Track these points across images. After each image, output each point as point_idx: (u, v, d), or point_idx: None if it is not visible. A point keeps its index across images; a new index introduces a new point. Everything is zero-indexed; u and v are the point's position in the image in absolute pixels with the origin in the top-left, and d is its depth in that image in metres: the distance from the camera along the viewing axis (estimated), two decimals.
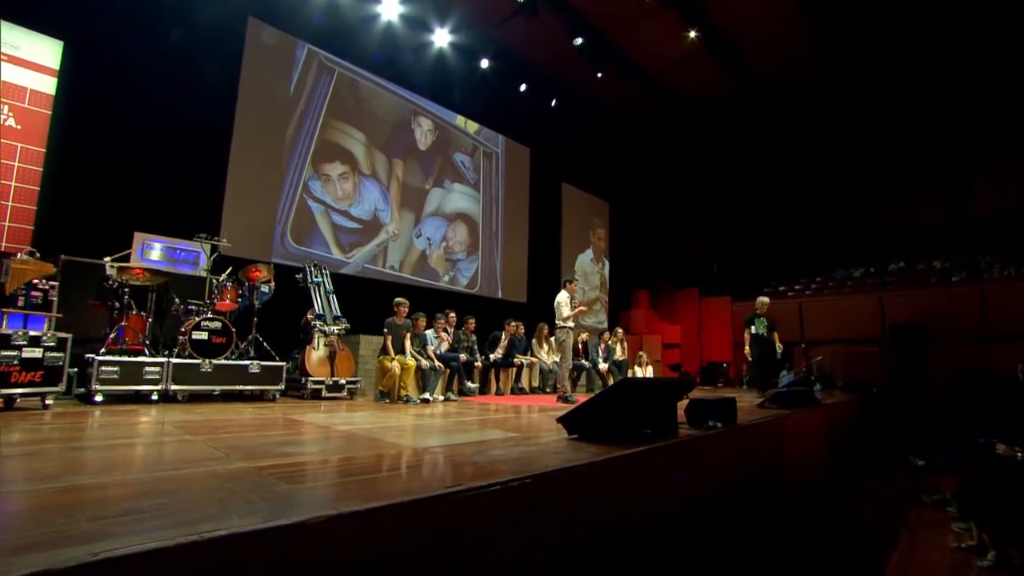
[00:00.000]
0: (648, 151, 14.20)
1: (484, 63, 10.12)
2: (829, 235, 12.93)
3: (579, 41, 9.95)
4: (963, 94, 11.11)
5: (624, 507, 2.24)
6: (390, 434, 3.02)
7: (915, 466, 4.91)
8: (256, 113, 7.00)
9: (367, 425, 3.47)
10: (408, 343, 5.65)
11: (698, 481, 2.82)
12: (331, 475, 1.84)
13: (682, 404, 3.35)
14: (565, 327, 6.10)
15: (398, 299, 5.75)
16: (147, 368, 4.26)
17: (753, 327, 7.49)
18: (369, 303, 7.00)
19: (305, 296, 5.92)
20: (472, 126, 10.18)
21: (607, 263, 13.44)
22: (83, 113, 5.69)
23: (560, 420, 2.91)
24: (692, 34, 9.85)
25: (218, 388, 4.70)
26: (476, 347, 7.13)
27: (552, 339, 8.21)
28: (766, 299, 7.72)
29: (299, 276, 5.98)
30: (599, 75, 10.74)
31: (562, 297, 6.20)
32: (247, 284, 5.30)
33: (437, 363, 5.80)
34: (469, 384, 6.37)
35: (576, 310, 6.18)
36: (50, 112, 5.51)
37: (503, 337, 7.39)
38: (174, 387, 4.41)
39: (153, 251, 5.11)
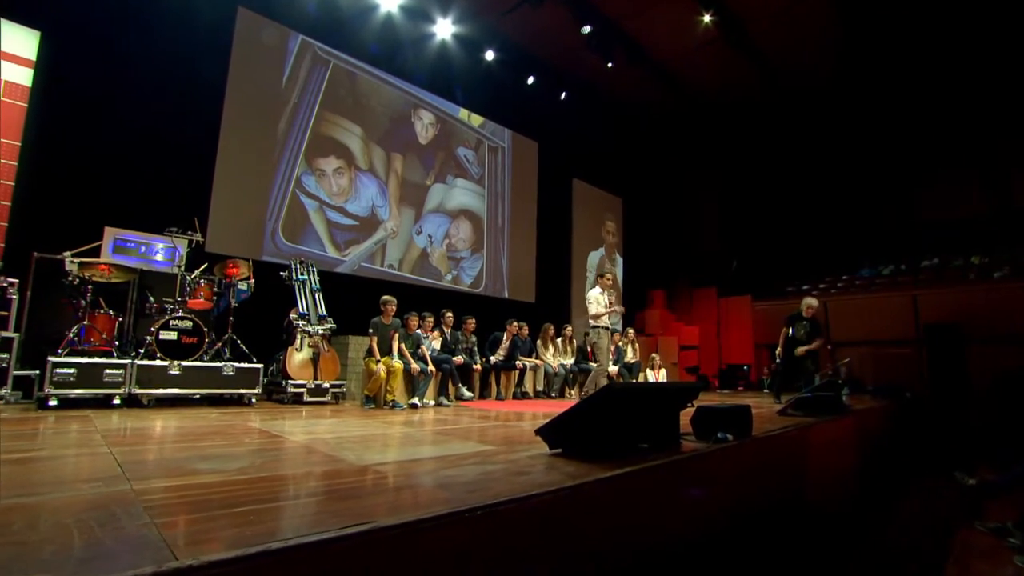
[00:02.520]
0: (663, 145, 13.63)
1: (489, 55, 9.77)
2: (856, 231, 12.21)
3: (587, 29, 9.52)
4: (1002, 76, 10.30)
5: (602, 547, 1.79)
6: (346, 445, 2.63)
7: (963, 485, 4.32)
8: (246, 106, 6.74)
9: (329, 434, 3.09)
10: (396, 344, 5.28)
11: (702, 507, 2.35)
12: (216, 504, 1.45)
13: (689, 412, 2.90)
14: (598, 327, 5.64)
15: (385, 297, 5.39)
16: (107, 370, 3.96)
17: (792, 330, 6.48)
18: (366, 303, 6.65)
19: (291, 295, 5.60)
20: (476, 119, 9.82)
21: (620, 260, 12.90)
22: (62, 106, 5.47)
23: (539, 432, 2.49)
24: (707, 18, 9.32)
25: (188, 391, 4.38)
26: (476, 349, 6.73)
27: (559, 340, 7.79)
28: (814, 301, 6.42)
29: (284, 273, 5.67)
30: (609, 66, 10.27)
31: (593, 293, 5.75)
32: (223, 281, 4.98)
33: (430, 366, 5.41)
34: (464, 389, 5.96)
35: (610, 309, 5.71)
36: (26, 105, 5.30)
37: (504, 338, 6.97)
38: (138, 390, 4.10)
39: (126, 247, 4.82)
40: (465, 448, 2.66)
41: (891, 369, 9.51)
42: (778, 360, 6.61)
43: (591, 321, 5.60)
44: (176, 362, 4.31)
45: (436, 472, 2.00)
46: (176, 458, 2.16)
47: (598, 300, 5.60)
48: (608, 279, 5.83)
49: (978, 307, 8.93)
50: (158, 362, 4.27)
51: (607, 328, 5.59)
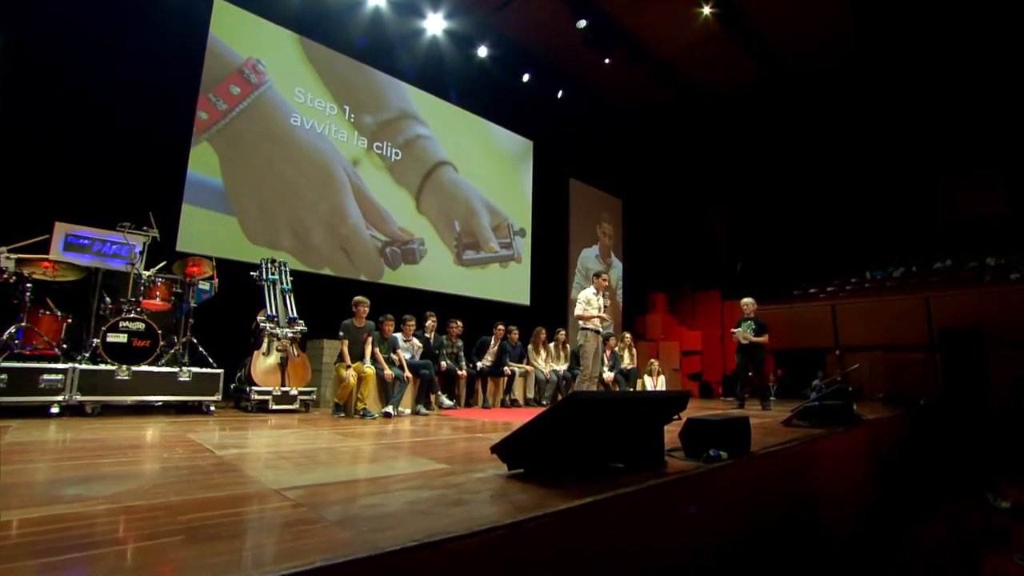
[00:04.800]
0: (664, 144, 13.24)
1: (482, 51, 9.48)
2: (866, 231, 11.75)
3: (583, 23, 9.19)
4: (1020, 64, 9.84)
5: None
6: (275, 463, 2.27)
7: (995, 508, 3.88)
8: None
9: (268, 448, 2.73)
10: (369, 348, 4.92)
11: (686, 541, 1.97)
12: (13, 553, 1.09)
13: (679, 424, 2.52)
14: (586, 329, 5.29)
15: (357, 298, 5.04)
16: (44, 376, 3.62)
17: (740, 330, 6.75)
18: (345, 305, 6.32)
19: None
20: (469, 117, 9.49)
21: (617, 262, 12.46)
22: (21, 96, 5.18)
23: (495, 450, 2.11)
24: (707, 10, 8.98)
25: (138, 398, 4.03)
26: (462, 354, 6.37)
27: (551, 345, 7.41)
28: (750, 300, 6.93)
29: (255, 273, 5.33)
30: (607, 62, 9.94)
31: (584, 294, 5.40)
32: (184, 281, 4.65)
33: (406, 372, 5.04)
34: (444, 397, 5.58)
35: (597, 315, 5.35)
36: None
37: (492, 342, 6.59)
38: (80, 398, 3.76)
39: (79, 243, 4.48)
40: (413, 467, 2.29)
41: (903, 375, 9.05)
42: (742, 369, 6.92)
43: (580, 323, 5.24)
44: (125, 367, 3.97)
45: (353, 501, 1.63)
46: (50, 481, 1.81)
47: (589, 301, 5.26)
48: (604, 280, 5.48)
49: (995, 310, 8.46)
50: (105, 367, 3.92)
51: (596, 331, 5.23)
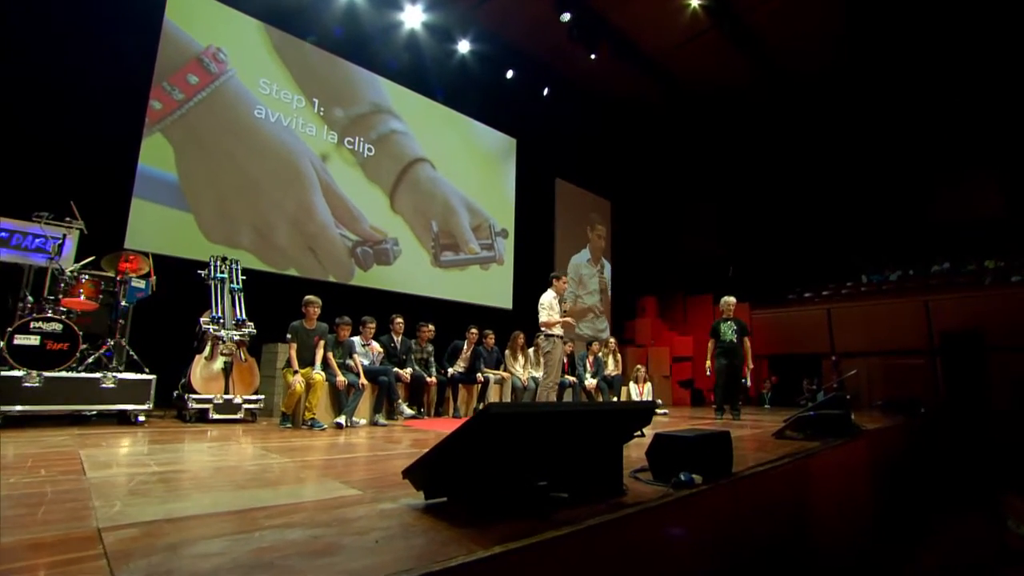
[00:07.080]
0: (654, 144, 12.90)
1: (463, 47, 9.15)
2: (861, 234, 11.42)
3: (567, 17, 8.87)
4: (1018, 65, 9.57)
5: None
6: (146, 487, 1.84)
7: (1017, 535, 3.45)
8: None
9: (164, 467, 2.30)
10: (321, 353, 4.49)
11: None
12: None
13: (648, 439, 2.11)
14: (551, 336, 4.96)
15: (308, 297, 4.61)
16: None
17: (720, 335, 6.44)
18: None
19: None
20: (449, 113, 9.12)
21: (608, 265, 12.07)
22: None
23: (407, 474, 1.70)
24: (695, 3, 8.66)
25: (51, 408, 3.59)
26: (432, 359, 5.94)
27: (530, 351, 6.99)
28: (732, 299, 6.62)
29: (203, 272, 4.90)
30: (592, 57, 9.61)
31: (546, 298, 5.06)
32: (115, 277, 4.22)
33: (362, 379, 4.61)
34: (404, 406, 5.13)
35: (562, 319, 5.01)
36: None
37: (464, 347, 6.17)
38: None
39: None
40: (313, 493, 1.87)
41: (902, 381, 8.67)
42: (708, 373, 6.63)
43: (543, 329, 4.91)
44: (35, 373, 3.53)
45: (188, 546, 1.21)
46: None
47: (552, 306, 4.92)
48: (562, 282, 5.14)
49: (996, 313, 8.12)
50: (11, 373, 3.48)
51: (561, 337, 4.92)
